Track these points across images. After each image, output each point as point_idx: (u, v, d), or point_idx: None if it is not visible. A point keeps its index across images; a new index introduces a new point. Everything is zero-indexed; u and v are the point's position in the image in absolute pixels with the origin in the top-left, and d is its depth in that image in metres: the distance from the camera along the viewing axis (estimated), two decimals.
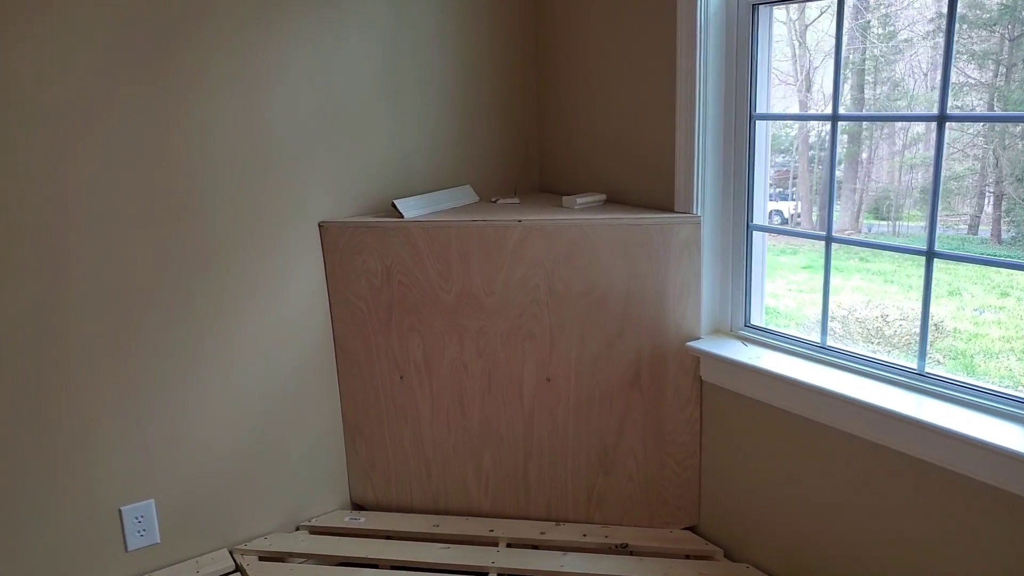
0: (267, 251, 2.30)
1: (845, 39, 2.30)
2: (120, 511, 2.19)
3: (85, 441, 2.11)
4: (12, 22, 1.87)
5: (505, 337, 2.34)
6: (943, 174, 1.73)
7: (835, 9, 1.90)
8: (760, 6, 2.05)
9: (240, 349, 2.31)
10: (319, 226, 2.37)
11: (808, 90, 2.62)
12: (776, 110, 2.26)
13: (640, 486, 2.39)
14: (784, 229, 2.18)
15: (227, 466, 2.35)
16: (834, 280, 2.70)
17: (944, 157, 1.70)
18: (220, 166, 2.19)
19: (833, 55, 1.87)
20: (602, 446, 2.38)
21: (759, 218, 2.18)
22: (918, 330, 1.82)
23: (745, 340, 2.21)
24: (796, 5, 1.98)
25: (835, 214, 2.62)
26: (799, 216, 2.78)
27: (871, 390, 1.84)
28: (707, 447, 2.31)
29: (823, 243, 1.99)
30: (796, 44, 2.58)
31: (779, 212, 2.68)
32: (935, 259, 1.78)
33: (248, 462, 2.38)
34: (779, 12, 2.35)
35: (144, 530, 2.23)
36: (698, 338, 2.26)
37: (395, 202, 2.34)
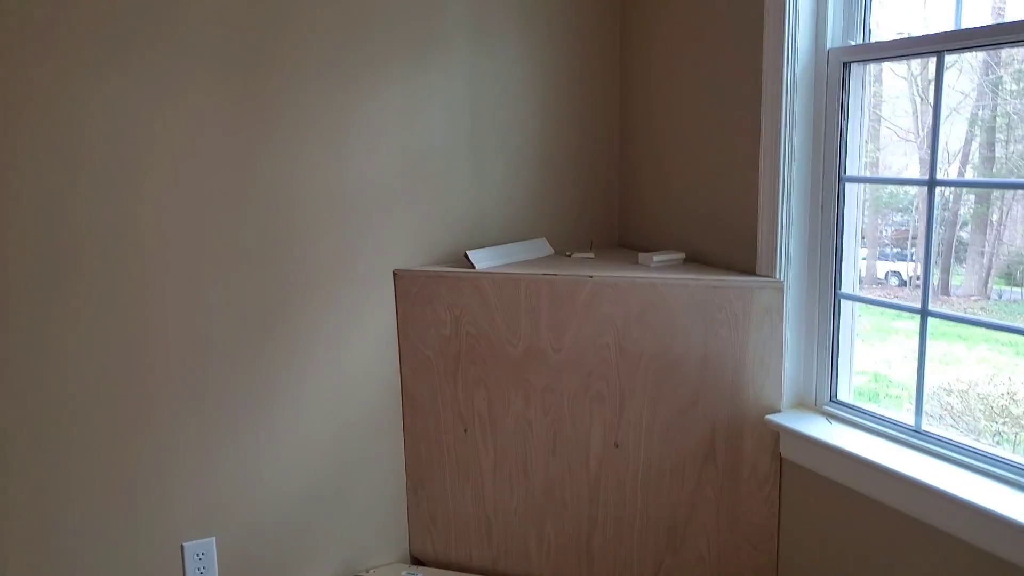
0: (342, 296, 2.33)
1: (974, 95, 2.14)
2: (183, 546, 2.22)
3: (155, 476, 2.17)
4: (111, 67, 2.00)
5: (572, 397, 2.26)
6: None
7: (935, 67, 1.77)
8: (852, 64, 1.94)
9: (310, 392, 2.33)
10: (393, 274, 2.39)
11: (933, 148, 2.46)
12: (895, 168, 2.13)
13: (711, 568, 2.22)
14: (874, 299, 2.02)
15: (289, 510, 2.35)
16: (957, 349, 2.44)
17: None
18: (301, 213, 2.25)
19: (960, 111, 1.74)
20: (672, 522, 2.23)
21: (848, 286, 2.03)
22: None
23: (830, 417, 2.04)
24: (919, 60, 1.86)
25: (960, 278, 2.42)
26: (918, 278, 2.58)
27: (970, 485, 1.64)
28: (785, 531, 2.13)
29: (933, 312, 1.82)
30: (919, 100, 2.44)
31: (897, 273, 2.50)
32: None
33: (310, 507, 2.38)
34: (899, 67, 2.23)
35: (204, 567, 2.25)
36: (779, 411, 2.10)
37: (467, 252, 2.33)
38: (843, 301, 2.03)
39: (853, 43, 1.94)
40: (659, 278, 2.13)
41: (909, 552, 1.78)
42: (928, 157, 1.77)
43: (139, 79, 2.02)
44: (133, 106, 2.03)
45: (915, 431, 1.86)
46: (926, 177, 1.79)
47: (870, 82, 1.99)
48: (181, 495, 2.21)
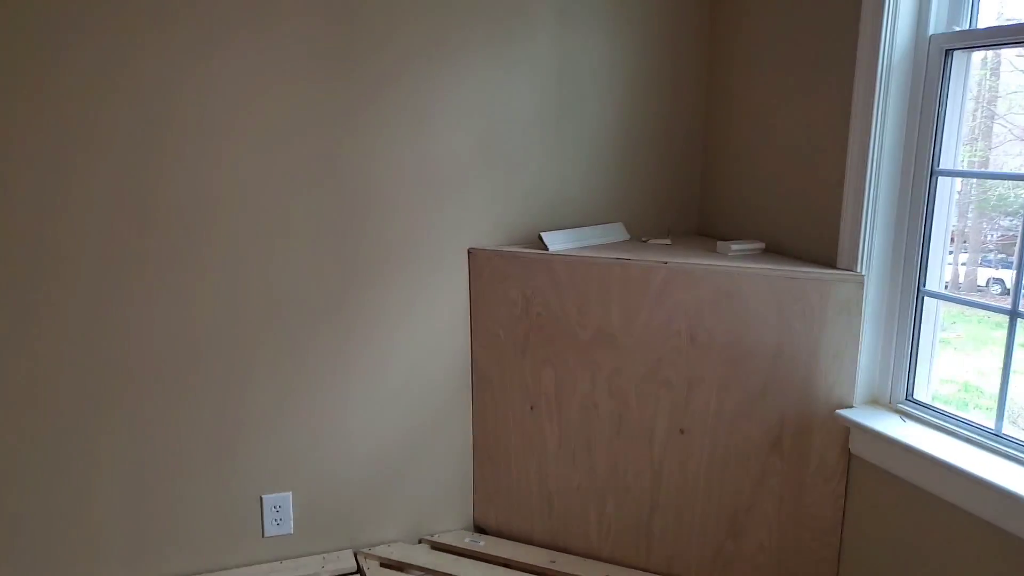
0: (419, 271, 2.39)
1: None
2: (261, 499, 2.35)
3: (239, 432, 2.30)
4: (211, 47, 2.08)
5: (640, 381, 2.27)
6: None
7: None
8: (955, 51, 1.86)
9: (386, 362, 2.41)
10: (468, 252, 2.43)
11: None
12: (1009, 168, 2.03)
13: (771, 557, 2.22)
14: (960, 298, 1.95)
15: (362, 472, 2.45)
16: None
17: None
18: (382, 190, 2.31)
19: None
20: (733, 509, 2.24)
21: (933, 283, 1.97)
22: None
23: (904, 415, 2.00)
24: None
25: None
26: (1022, 287, 2.47)
27: None
28: (850, 526, 2.11)
29: None
30: None
31: (1000, 281, 2.39)
32: None
33: (382, 470, 2.48)
34: (1020, 60, 2.10)
35: (280, 520, 2.38)
36: (851, 407, 2.07)
37: (542, 234, 2.35)
38: (926, 299, 1.97)
39: (958, 28, 1.86)
40: (735, 267, 2.11)
41: (979, 556, 1.74)
42: None
43: (235, 59, 2.10)
44: (229, 82, 2.10)
45: (995, 435, 1.81)
46: None
47: (974, 72, 1.90)
48: (262, 452, 2.33)
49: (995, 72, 2.17)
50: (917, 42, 1.90)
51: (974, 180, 2.00)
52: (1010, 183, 1.90)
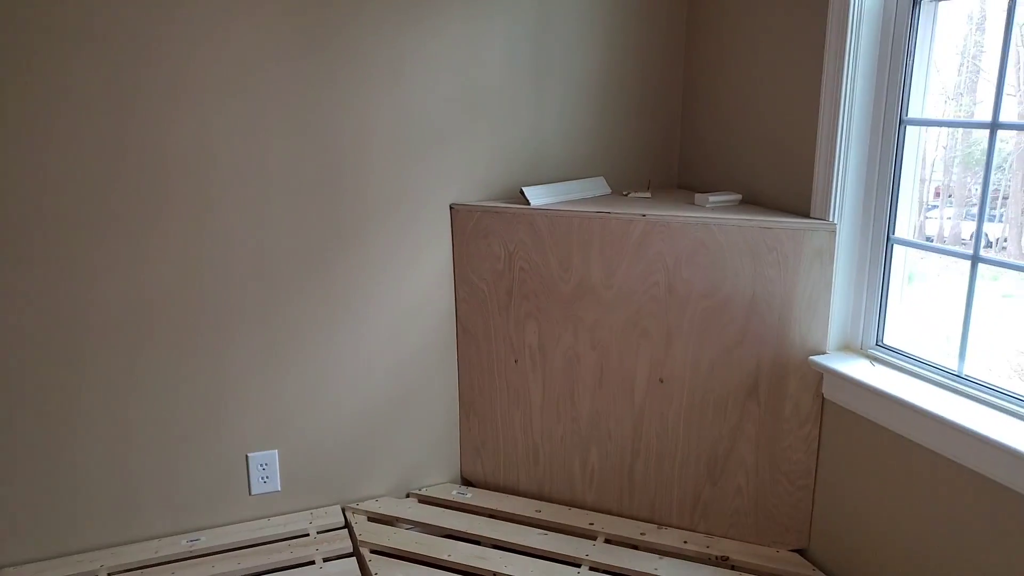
0: (401, 228, 2.42)
1: None
2: (247, 457, 2.39)
3: (224, 390, 2.33)
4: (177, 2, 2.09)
5: (620, 332, 2.33)
6: None
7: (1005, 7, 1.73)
8: (923, 1, 1.90)
9: (370, 319, 2.45)
10: (450, 208, 2.47)
11: None
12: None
13: (749, 500, 2.30)
14: (927, 245, 2.02)
15: (348, 428, 2.50)
16: None
17: None
18: (363, 146, 2.33)
19: None
20: (712, 455, 2.31)
21: (903, 231, 2.03)
22: None
23: (874, 360, 2.06)
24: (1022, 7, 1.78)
25: None
26: (1006, 240, 2.54)
27: (1007, 429, 1.66)
28: (823, 469, 2.18)
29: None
30: (1021, 51, 2.35)
31: (984, 235, 2.46)
32: None
33: (368, 427, 2.53)
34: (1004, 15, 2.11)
35: (267, 477, 2.42)
36: (824, 353, 2.13)
37: (523, 189, 2.39)
38: (896, 246, 2.03)
39: None
40: (711, 218, 2.16)
41: (945, 493, 1.82)
42: None
43: (206, 8, 2.10)
44: (199, 36, 2.11)
45: (957, 375, 1.88)
46: (988, 120, 1.77)
47: (959, 27, 1.93)
48: (247, 410, 2.37)
49: (980, 27, 2.21)
50: None
51: (959, 135, 2.05)
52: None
